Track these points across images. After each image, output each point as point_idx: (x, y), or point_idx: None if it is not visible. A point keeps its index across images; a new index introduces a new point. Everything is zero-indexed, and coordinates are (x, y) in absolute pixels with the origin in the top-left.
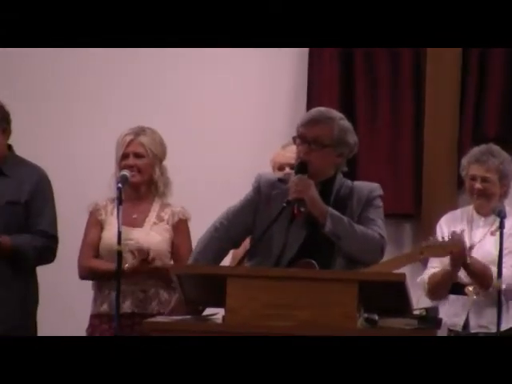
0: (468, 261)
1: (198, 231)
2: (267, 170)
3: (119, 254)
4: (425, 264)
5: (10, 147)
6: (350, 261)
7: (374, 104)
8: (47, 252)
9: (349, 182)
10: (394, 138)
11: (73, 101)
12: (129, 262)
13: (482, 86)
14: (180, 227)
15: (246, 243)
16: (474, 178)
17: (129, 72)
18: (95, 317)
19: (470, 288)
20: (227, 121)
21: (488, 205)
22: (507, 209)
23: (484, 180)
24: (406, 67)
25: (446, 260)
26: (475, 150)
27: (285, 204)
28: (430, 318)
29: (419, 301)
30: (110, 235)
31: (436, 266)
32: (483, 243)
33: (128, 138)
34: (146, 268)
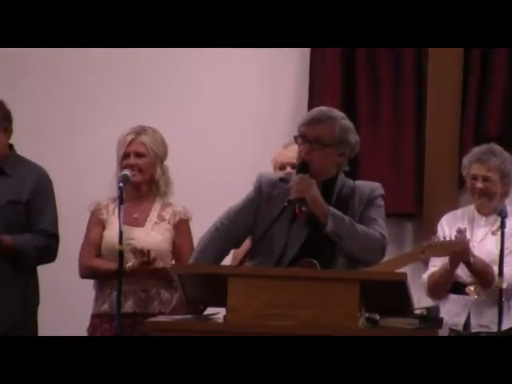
0: (471, 260)
1: (199, 231)
2: (268, 170)
3: (120, 253)
4: (426, 264)
5: (11, 146)
6: (352, 260)
7: (376, 104)
8: (48, 251)
9: (350, 181)
10: (395, 138)
11: (73, 100)
12: (130, 262)
13: (483, 86)
14: (181, 227)
15: (247, 243)
16: (475, 178)
17: (129, 72)
18: (96, 316)
19: (471, 288)
20: (228, 121)
21: (489, 204)
22: (508, 208)
23: (485, 179)
24: (407, 67)
25: (447, 259)
26: (476, 150)
27: (286, 203)
28: (431, 317)
29: (420, 300)
30: (111, 234)
31: (437, 265)
32: (484, 243)
33: (129, 138)
34: (147, 269)
